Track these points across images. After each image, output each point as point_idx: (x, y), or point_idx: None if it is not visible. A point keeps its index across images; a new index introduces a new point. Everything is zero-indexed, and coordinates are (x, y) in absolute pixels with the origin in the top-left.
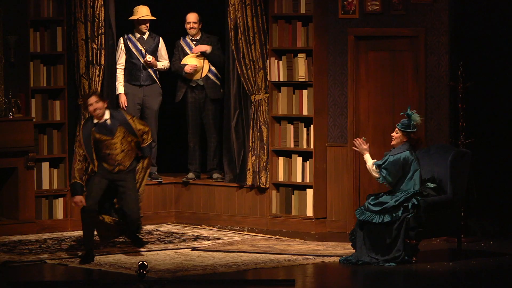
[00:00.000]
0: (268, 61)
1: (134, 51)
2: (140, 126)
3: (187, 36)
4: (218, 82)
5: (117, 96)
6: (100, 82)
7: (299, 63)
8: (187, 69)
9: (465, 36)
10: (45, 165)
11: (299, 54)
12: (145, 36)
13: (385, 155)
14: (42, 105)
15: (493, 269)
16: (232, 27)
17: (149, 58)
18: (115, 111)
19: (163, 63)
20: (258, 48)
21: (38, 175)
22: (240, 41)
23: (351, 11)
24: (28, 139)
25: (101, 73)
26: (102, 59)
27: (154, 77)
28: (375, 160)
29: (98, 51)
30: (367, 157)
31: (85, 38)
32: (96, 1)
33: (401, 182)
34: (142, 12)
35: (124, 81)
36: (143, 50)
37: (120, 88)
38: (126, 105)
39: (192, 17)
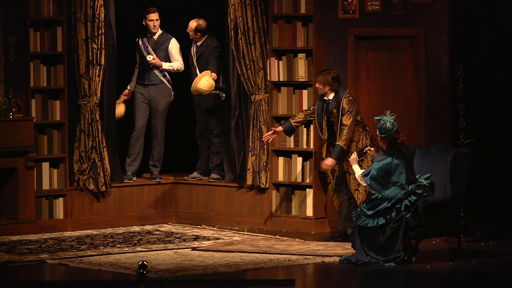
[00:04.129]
0: (268, 61)
1: (142, 50)
2: (344, 106)
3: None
4: (215, 91)
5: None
6: (100, 82)
7: (299, 63)
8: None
9: (465, 36)
10: (45, 165)
11: (299, 54)
12: (155, 36)
13: (371, 159)
14: (42, 105)
15: (493, 269)
16: (232, 27)
17: (149, 58)
18: (342, 91)
19: (173, 64)
20: (258, 48)
21: (38, 175)
22: (240, 41)
23: (351, 11)
24: (28, 139)
25: (101, 73)
26: (102, 59)
27: (161, 77)
28: (363, 170)
29: (98, 51)
30: (356, 167)
31: (85, 38)
32: (96, 1)
33: (387, 187)
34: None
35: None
36: (149, 49)
37: (131, 85)
38: (127, 97)
39: (189, 26)
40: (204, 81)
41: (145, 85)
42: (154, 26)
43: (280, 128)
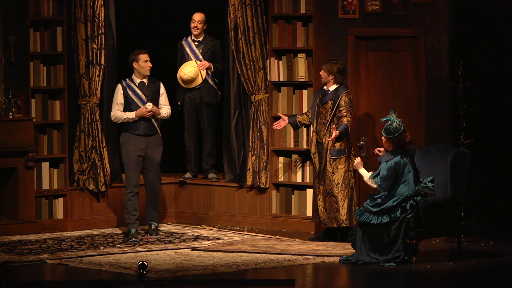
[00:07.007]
0: (268, 61)
1: (135, 99)
2: (345, 99)
3: (189, 37)
4: (215, 87)
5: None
6: (100, 82)
7: (299, 63)
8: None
9: (465, 36)
10: (45, 165)
11: (299, 54)
12: (146, 81)
13: (378, 161)
14: (42, 105)
15: (493, 269)
16: (232, 27)
17: (149, 105)
18: (344, 87)
19: (165, 110)
20: (258, 48)
21: (38, 175)
22: (240, 41)
23: (351, 11)
24: (28, 139)
25: (101, 73)
26: (102, 59)
27: (156, 126)
28: (371, 172)
29: (98, 51)
30: (363, 171)
31: (85, 38)
32: (96, 1)
33: (396, 186)
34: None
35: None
36: (143, 97)
37: (129, 114)
38: (148, 109)
39: (197, 16)
40: (190, 66)
41: (141, 135)
42: (150, 67)
43: (286, 120)
